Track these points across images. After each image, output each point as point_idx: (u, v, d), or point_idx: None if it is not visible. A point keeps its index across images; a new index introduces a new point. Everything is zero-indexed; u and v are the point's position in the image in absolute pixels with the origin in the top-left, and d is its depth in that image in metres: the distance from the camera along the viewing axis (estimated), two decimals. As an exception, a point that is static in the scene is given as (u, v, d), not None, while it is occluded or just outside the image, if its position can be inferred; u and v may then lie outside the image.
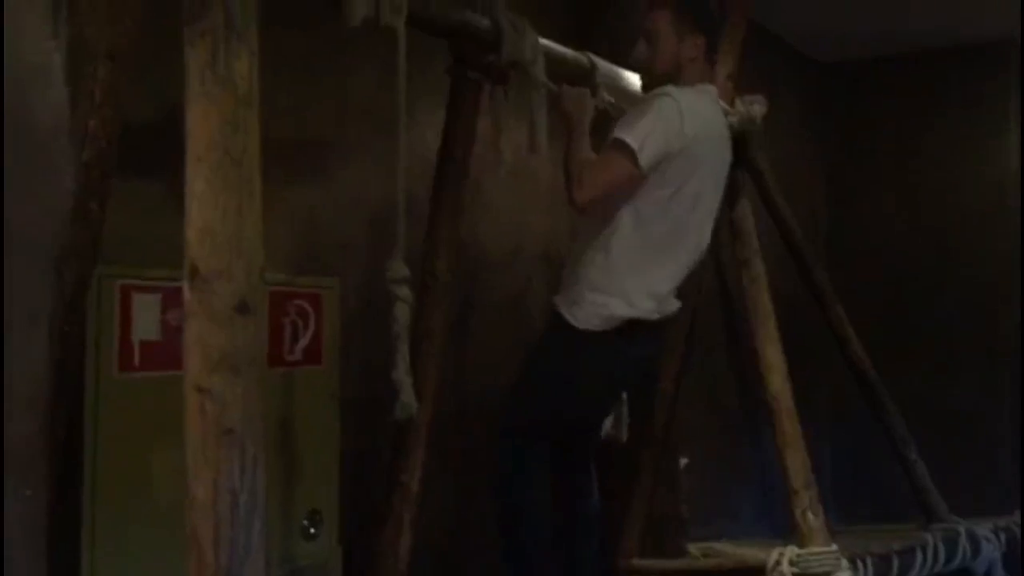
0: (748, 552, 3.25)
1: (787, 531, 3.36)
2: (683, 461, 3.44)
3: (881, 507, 3.76)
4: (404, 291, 1.86)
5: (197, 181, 1.27)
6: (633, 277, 2.28)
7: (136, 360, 1.77)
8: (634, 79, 3.00)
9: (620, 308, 2.27)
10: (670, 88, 2.32)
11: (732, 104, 3.43)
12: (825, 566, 2.99)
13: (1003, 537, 3.52)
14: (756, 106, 3.45)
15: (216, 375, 1.24)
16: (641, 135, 2.19)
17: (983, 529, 3.51)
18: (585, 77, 2.81)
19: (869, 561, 3.06)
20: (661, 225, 2.27)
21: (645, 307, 2.30)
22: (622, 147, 2.20)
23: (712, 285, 3.64)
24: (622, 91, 2.93)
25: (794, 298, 3.62)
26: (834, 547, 3.03)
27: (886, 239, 4.25)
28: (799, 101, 4.13)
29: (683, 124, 2.23)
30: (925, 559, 3.34)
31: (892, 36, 4.05)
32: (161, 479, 1.75)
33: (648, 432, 3.33)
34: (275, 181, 1.50)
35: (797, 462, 3.25)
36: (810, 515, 3.19)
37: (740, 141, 3.45)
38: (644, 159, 2.18)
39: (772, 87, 3.51)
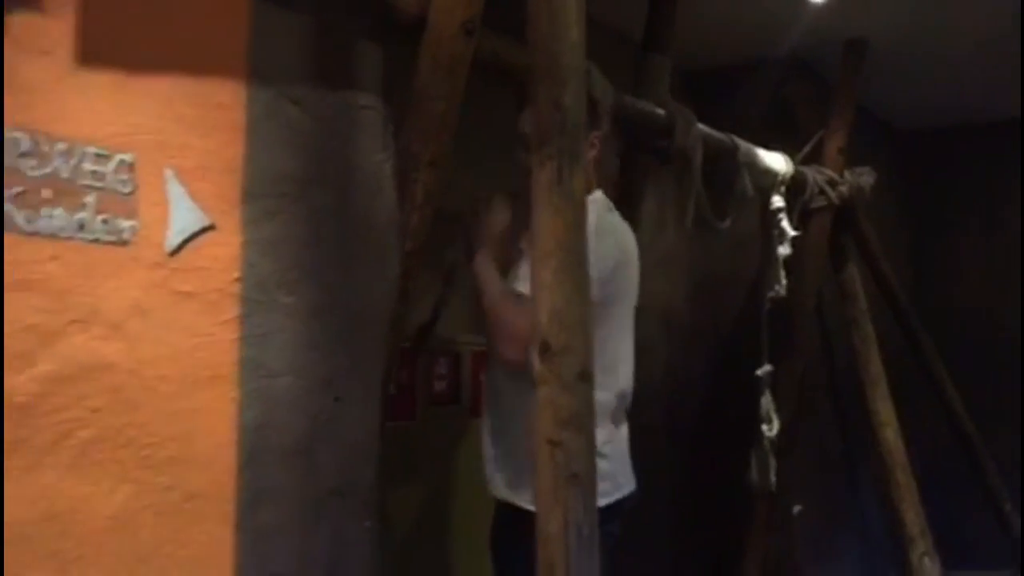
0: (862, 596, 3.57)
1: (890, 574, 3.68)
2: (796, 508, 3.74)
3: (972, 557, 4.04)
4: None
5: (545, 273, 1.62)
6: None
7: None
8: (773, 159, 3.38)
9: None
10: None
11: (841, 175, 3.81)
12: None
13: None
14: (865, 177, 3.84)
15: (565, 431, 1.59)
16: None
17: (1073, 578, 3.81)
18: (729, 156, 3.18)
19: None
20: None
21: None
22: None
23: (816, 344, 3.95)
24: (759, 168, 3.30)
25: (894, 358, 3.94)
26: (949, 591, 3.33)
27: (970, 301, 4.59)
28: (885, 169, 4.49)
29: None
30: (1023, 606, 3.64)
31: (974, 105, 4.43)
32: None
33: (753, 485, 3.62)
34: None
35: (912, 512, 3.58)
36: (927, 560, 3.51)
37: (848, 209, 3.83)
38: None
39: (859, 155, 3.85)
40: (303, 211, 1.76)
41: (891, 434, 3.61)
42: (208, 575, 1.58)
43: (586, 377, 1.62)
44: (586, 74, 1.73)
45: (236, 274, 1.64)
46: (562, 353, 1.61)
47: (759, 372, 3.44)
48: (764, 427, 3.44)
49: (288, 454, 1.71)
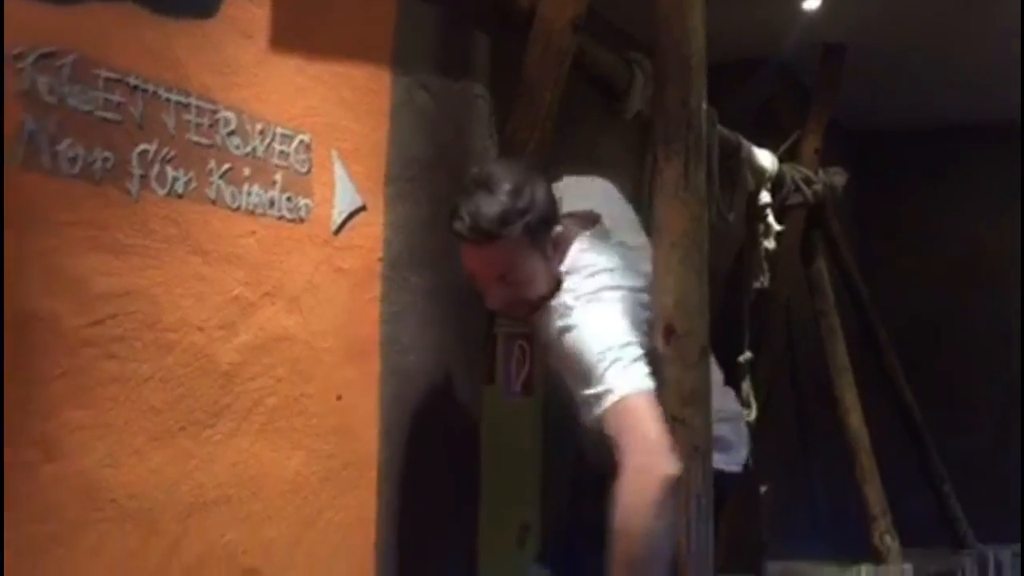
0: (826, 570, 3.90)
1: (846, 552, 4.04)
2: (763, 488, 4.06)
3: (913, 534, 4.44)
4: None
5: (671, 261, 1.81)
6: None
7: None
8: (764, 156, 3.65)
9: None
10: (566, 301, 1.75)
11: (816, 174, 4.13)
12: None
13: (1018, 562, 4.29)
14: (838, 177, 4.17)
15: (688, 407, 1.78)
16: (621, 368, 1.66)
17: (1005, 555, 4.27)
18: (734, 152, 3.43)
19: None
20: None
21: None
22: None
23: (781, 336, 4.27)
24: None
25: (851, 349, 4.30)
26: (907, 566, 3.70)
27: (909, 298, 5.02)
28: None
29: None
30: (963, 580, 4.06)
31: (922, 110, 4.84)
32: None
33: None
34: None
35: (874, 493, 3.94)
36: (887, 538, 3.87)
37: (818, 207, 4.16)
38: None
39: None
40: (426, 194, 1.89)
41: (856, 420, 3.95)
42: (356, 539, 1.71)
43: (705, 355, 1.82)
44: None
45: (379, 254, 1.77)
46: (686, 335, 1.80)
47: (741, 359, 3.72)
48: (744, 411, 3.72)
49: (413, 426, 1.84)
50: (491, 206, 1.65)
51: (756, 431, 3.83)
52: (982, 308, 5.01)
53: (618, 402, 1.61)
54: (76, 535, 1.24)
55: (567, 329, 1.70)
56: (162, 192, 1.36)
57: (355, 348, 1.71)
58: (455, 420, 1.95)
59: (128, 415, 1.31)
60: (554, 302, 1.74)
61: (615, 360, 1.65)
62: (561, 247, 1.78)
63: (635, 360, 1.68)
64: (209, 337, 1.43)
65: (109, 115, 1.29)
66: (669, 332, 1.81)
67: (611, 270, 1.80)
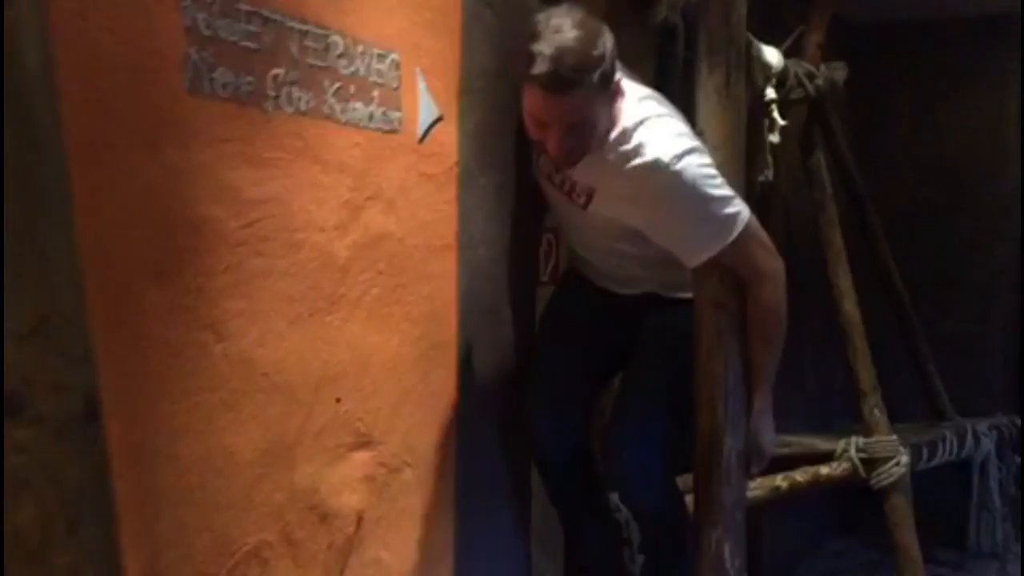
0: (817, 442, 4.26)
1: (832, 428, 4.39)
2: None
3: (899, 410, 4.79)
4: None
5: (714, 163, 2.04)
6: None
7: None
8: (770, 53, 3.83)
9: None
10: (645, 135, 1.93)
11: (818, 69, 4.32)
12: (888, 451, 3.95)
13: (995, 433, 4.68)
14: (839, 72, 4.36)
15: (730, 296, 2.05)
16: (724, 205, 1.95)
17: (982, 426, 4.65)
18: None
19: (906, 450, 4.08)
20: None
21: None
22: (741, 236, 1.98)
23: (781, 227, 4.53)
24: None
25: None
26: (895, 436, 4.05)
27: (903, 190, 5.29)
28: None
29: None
30: (944, 450, 4.42)
31: (924, 3, 5.01)
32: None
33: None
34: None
35: (865, 371, 4.27)
36: (876, 411, 4.21)
37: (819, 101, 4.37)
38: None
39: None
40: (491, 104, 2.10)
41: (850, 304, 4.24)
42: (442, 409, 1.98)
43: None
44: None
45: (455, 159, 1.99)
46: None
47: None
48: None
49: (483, 312, 2.10)
50: (570, 55, 1.75)
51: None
52: (974, 200, 5.29)
53: (743, 231, 1.96)
54: (239, 402, 1.50)
55: (661, 169, 1.90)
56: (289, 111, 1.57)
57: (438, 244, 1.95)
58: (517, 307, 2.21)
59: (272, 304, 1.55)
60: (646, 151, 1.91)
61: (717, 192, 1.95)
62: (619, 96, 1.94)
63: (727, 187, 1.97)
64: (328, 236, 1.66)
65: (250, 44, 1.49)
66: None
67: (677, 116, 2.05)
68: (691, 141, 1.96)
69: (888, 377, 4.91)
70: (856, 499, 4.62)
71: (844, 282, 4.33)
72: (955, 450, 4.51)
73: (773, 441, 2.17)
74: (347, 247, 1.71)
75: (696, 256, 1.98)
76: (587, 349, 2.22)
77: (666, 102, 2.08)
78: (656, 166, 1.90)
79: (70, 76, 1.18)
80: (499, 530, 2.19)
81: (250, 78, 1.49)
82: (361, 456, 1.75)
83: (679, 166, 1.90)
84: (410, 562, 1.88)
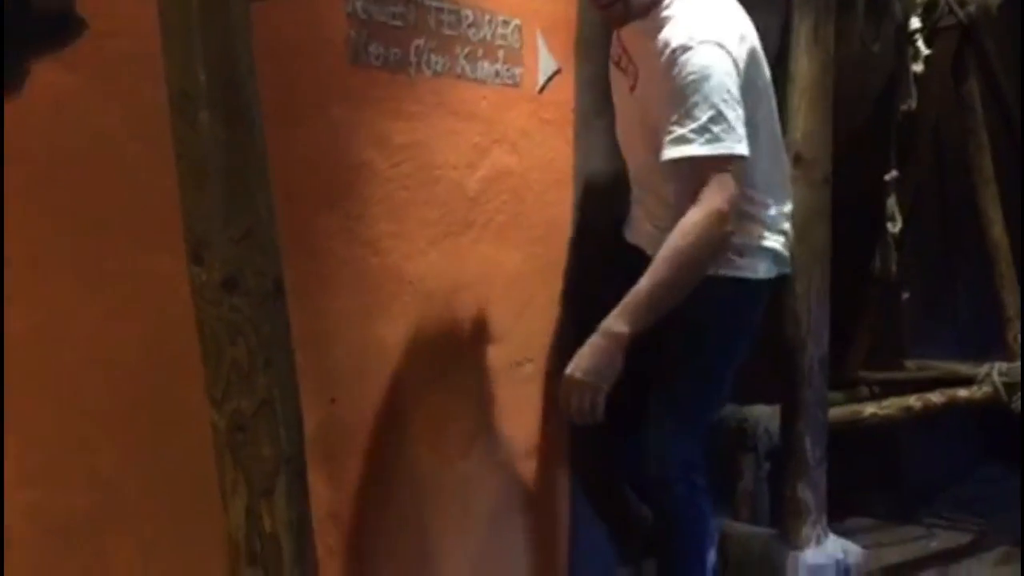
0: (959, 367, 4.43)
1: (986, 355, 4.52)
2: (905, 295, 4.57)
3: None
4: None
5: (802, 104, 2.36)
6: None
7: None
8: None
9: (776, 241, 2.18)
10: (685, 10, 1.99)
11: (969, -6, 4.39)
12: None
13: None
14: (993, -3, 4.42)
15: (808, 223, 2.36)
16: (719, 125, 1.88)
17: None
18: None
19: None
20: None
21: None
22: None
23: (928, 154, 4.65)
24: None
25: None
26: (1032, 360, 4.14)
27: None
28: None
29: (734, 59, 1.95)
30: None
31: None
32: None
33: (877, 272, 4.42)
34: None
35: (1011, 297, 4.39)
36: (1020, 337, 4.34)
37: (971, 27, 4.43)
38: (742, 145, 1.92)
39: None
40: (605, 54, 2.46)
41: (997, 231, 4.36)
42: (556, 316, 2.41)
43: (828, 181, 2.39)
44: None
45: (572, 105, 2.39)
46: (812, 161, 2.38)
47: (887, 177, 4.17)
48: (888, 224, 4.21)
49: (591, 233, 2.50)
50: None
51: (900, 242, 4.32)
52: None
53: (717, 156, 1.87)
54: (391, 304, 1.99)
55: (688, 51, 1.90)
56: (429, 73, 2.02)
57: (556, 178, 2.37)
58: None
59: (414, 227, 2.03)
60: (679, 23, 1.95)
61: (727, 110, 1.87)
62: None
63: (739, 120, 1.89)
64: (460, 173, 2.11)
65: (397, 23, 1.94)
66: (798, 159, 2.39)
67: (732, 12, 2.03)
68: (723, 35, 1.93)
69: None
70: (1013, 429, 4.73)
71: (992, 208, 4.44)
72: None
73: (592, 372, 1.91)
74: (477, 181, 2.15)
75: (673, 148, 1.91)
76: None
77: None
78: (677, 39, 1.92)
79: (262, 59, 1.66)
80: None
81: (397, 49, 1.95)
82: (489, 349, 2.22)
83: (693, 52, 1.89)
84: (530, 441, 2.34)
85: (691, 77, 1.89)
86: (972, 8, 4.38)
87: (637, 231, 2.27)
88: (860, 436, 4.07)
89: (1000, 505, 4.52)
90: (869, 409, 3.58)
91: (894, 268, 4.08)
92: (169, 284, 1.44)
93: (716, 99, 1.87)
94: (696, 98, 1.88)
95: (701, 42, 1.90)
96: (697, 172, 1.90)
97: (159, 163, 1.36)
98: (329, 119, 1.85)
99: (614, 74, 2.23)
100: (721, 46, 1.92)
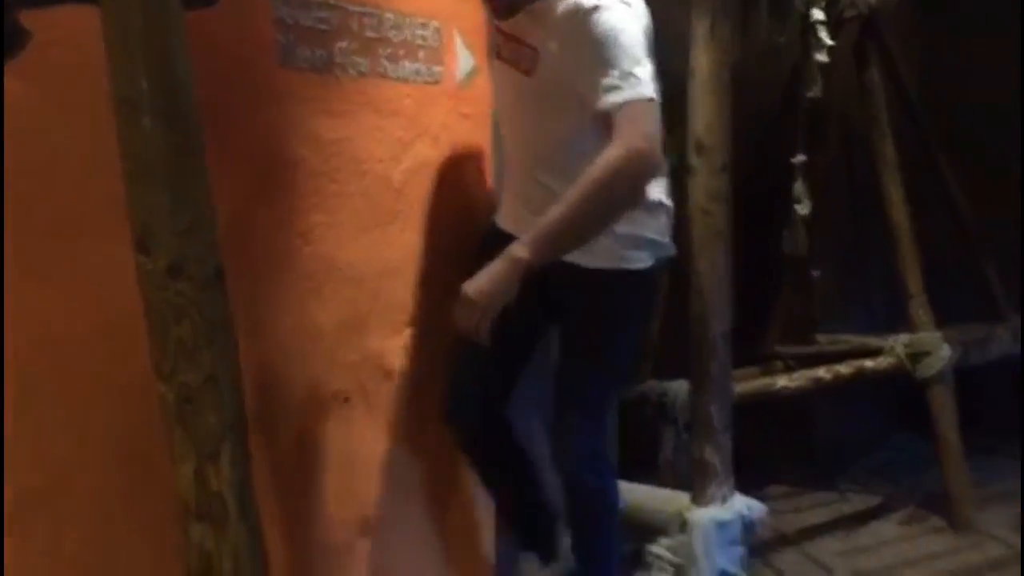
0: (868, 340, 4.71)
1: (894, 329, 4.80)
2: (815, 273, 4.84)
3: (958, 313, 5.11)
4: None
5: (703, 95, 2.56)
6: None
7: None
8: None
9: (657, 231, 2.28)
10: None
11: (871, -14, 4.65)
12: (930, 346, 4.34)
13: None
14: (892, -12, 4.69)
15: (714, 203, 2.58)
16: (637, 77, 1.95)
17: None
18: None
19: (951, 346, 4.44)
20: None
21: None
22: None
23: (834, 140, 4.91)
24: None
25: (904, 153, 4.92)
26: (939, 333, 4.45)
27: (974, 99, 5.52)
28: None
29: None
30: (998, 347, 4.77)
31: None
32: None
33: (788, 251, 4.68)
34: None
35: (913, 276, 4.68)
36: (921, 311, 4.64)
37: (871, 18, 4.71)
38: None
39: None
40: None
41: (898, 214, 4.64)
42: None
43: (727, 168, 2.61)
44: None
45: (490, 100, 2.56)
46: (712, 150, 2.59)
47: (794, 160, 4.43)
48: (797, 206, 4.47)
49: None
50: None
51: (809, 223, 4.59)
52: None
53: (639, 100, 1.92)
54: (323, 288, 2.15)
55: (602, 9, 1.97)
56: (354, 73, 2.18)
57: (476, 166, 2.54)
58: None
59: (345, 217, 2.19)
60: None
61: (642, 62, 1.96)
62: None
63: (652, 72, 1.98)
64: (386, 166, 2.28)
65: (322, 26, 2.09)
66: (700, 147, 2.60)
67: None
68: (630, 1, 2.04)
69: (947, 282, 5.28)
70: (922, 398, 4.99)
71: (894, 191, 4.73)
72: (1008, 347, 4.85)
73: (485, 294, 1.99)
74: (401, 173, 2.32)
75: (607, 96, 1.95)
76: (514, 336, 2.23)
77: None
78: (587, 1, 2.00)
79: (198, 64, 1.80)
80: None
81: (323, 52, 2.10)
82: (415, 331, 2.39)
83: (606, 9, 1.98)
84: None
85: (610, 32, 1.96)
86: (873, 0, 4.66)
87: (507, 216, 2.37)
88: (779, 408, 4.34)
89: (909, 470, 4.84)
90: (780, 381, 3.81)
91: (803, 248, 4.34)
92: (117, 272, 1.58)
93: (635, 51, 1.96)
94: (616, 50, 1.95)
95: (612, 3, 1.99)
96: (627, 116, 1.92)
97: (105, 164, 1.50)
98: (262, 118, 1.99)
99: (497, 68, 2.29)
100: (630, 7, 2.04)
